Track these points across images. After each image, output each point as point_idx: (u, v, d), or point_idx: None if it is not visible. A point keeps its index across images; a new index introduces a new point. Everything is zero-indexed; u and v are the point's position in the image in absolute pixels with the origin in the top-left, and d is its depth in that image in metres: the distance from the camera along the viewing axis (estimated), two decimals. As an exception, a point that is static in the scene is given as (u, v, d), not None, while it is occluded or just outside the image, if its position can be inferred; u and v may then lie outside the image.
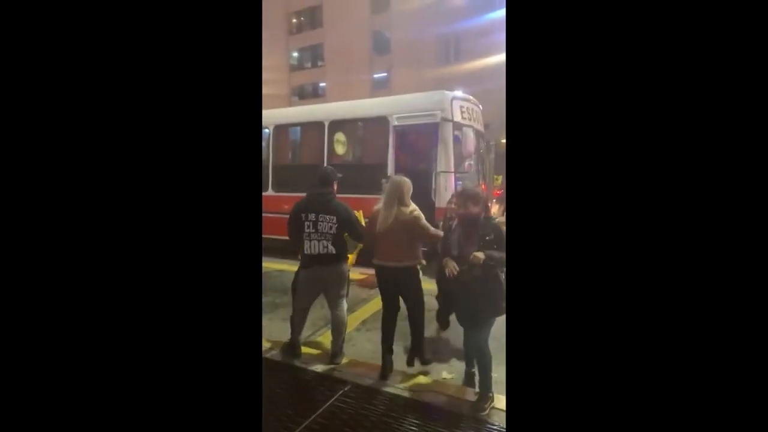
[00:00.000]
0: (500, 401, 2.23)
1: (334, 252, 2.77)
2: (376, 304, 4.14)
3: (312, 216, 2.79)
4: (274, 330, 3.45)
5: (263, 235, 5.46)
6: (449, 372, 2.71)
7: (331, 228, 2.75)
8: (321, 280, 2.86)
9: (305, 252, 2.83)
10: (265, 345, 3.12)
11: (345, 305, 2.90)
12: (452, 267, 2.26)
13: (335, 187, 2.92)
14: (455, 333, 3.32)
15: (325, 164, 6.10)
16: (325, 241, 2.76)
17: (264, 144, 7.19)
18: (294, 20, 26.73)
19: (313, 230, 2.78)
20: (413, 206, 2.67)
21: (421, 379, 2.58)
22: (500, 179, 8.23)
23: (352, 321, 3.65)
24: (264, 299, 4.31)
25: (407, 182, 2.69)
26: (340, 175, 3.02)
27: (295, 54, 27.21)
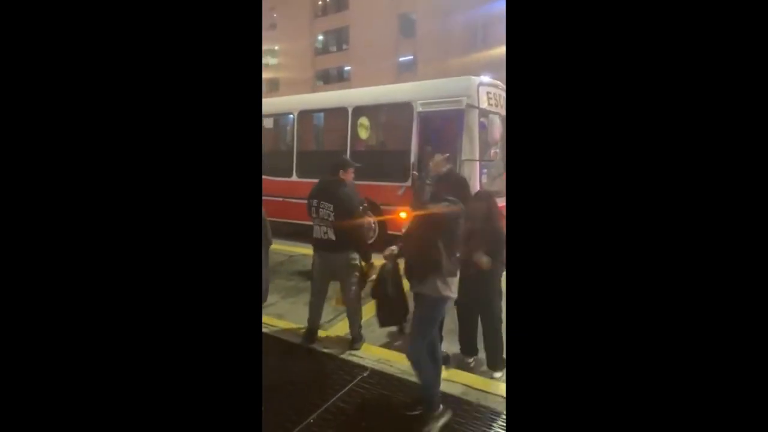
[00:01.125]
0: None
1: (333, 239, 2.80)
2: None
3: (315, 202, 2.86)
4: (296, 314, 3.52)
5: (288, 220, 5.55)
6: (470, 361, 2.71)
7: (329, 215, 2.79)
8: (329, 265, 2.91)
9: (313, 236, 2.91)
10: (286, 328, 3.20)
11: (358, 292, 2.92)
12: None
13: (347, 175, 2.93)
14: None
15: (348, 150, 6.11)
16: (324, 227, 2.82)
17: (288, 130, 7.25)
18: (320, 2, 26.53)
19: (316, 215, 2.85)
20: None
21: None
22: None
23: (371, 307, 3.68)
24: (288, 283, 4.39)
25: None
26: (357, 165, 3.03)
27: (320, 37, 27.09)
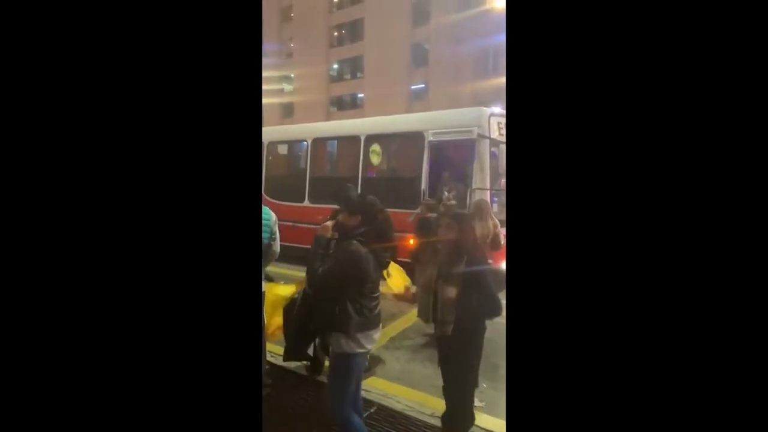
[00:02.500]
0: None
1: None
2: (405, 320, 4.11)
3: None
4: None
5: (299, 245, 5.52)
6: (480, 400, 2.62)
7: None
8: None
9: None
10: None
11: None
12: None
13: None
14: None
15: (360, 177, 6.18)
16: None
17: (302, 156, 7.38)
18: (335, 33, 27.48)
19: None
20: None
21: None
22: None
23: (380, 338, 3.63)
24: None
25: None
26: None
27: (335, 66, 27.90)
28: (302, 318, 2.19)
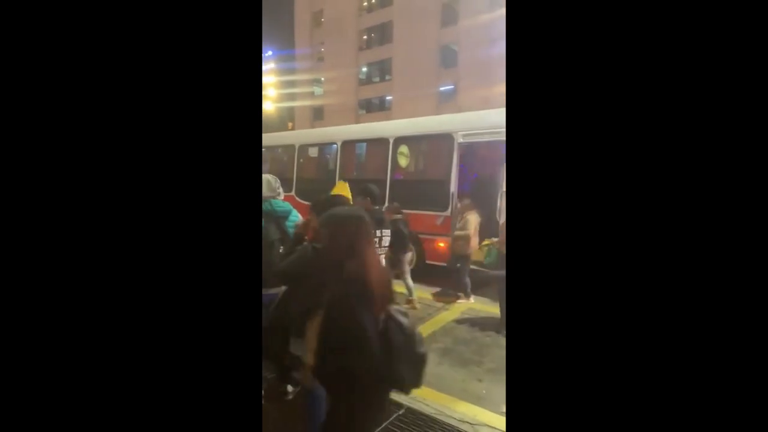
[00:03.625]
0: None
1: None
2: (434, 323, 4.08)
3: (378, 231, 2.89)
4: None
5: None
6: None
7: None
8: None
9: None
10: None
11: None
12: None
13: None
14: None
15: (388, 179, 6.20)
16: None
17: (331, 158, 7.49)
18: (365, 37, 27.71)
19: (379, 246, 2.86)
20: None
21: (477, 412, 2.48)
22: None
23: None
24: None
25: None
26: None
27: (364, 69, 28.13)
28: None
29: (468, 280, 4.82)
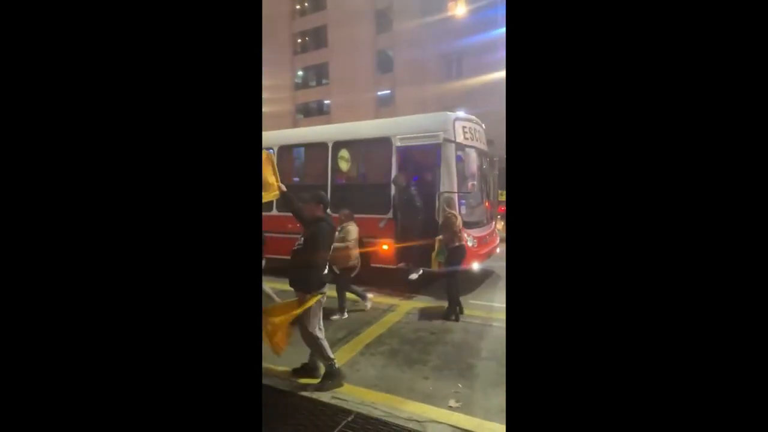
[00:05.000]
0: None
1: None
2: (379, 326, 4.11)
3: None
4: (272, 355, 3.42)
5: (268, 256, 5.42)
6: (456, 401, 2.66)
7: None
8: None
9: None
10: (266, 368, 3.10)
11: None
12: None
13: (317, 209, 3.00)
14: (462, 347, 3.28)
15: (329, 184, 6.15)
16: None
17: (268, 164, 7.26)
18: (299, 40, 27.27)
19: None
20: None
21: (425, 409, 2.54)
22: (504, 195, 8.25)
23: (355, 345, 3.62)
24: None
25: None
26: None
27: (300, 73, 27.66)
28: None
29: (356, 287, 4.66)
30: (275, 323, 2.77)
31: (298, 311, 2.80)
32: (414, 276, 5.25)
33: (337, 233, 4.39)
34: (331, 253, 4.36)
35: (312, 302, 2.81)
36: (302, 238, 2.92)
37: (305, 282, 2.84)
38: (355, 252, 4.51)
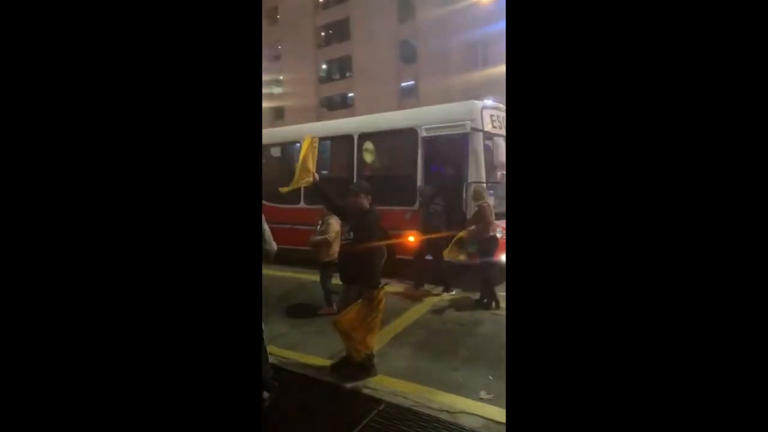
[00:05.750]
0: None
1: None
2: (408, 317, 4.11)
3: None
4: (308, 345, 3.47)
5: (296, 247, 5.52)
6: (487, 393, 2.63)
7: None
8: None
9: None
10: (300, 361, 3.15)
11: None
12: None
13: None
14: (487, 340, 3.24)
15: (354, 176, 6.16)
16: None
17: (295, 158, 7.34)
18: (322, 34, 27.33)
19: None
20: None
21: (456, 400, 2.52)
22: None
23: (384, 336, 3.63)
24: (297, 312, 4.37)
25: None
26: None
27: (324, 66, 27.77)
28: None
29: (332, 286, 4.31)
30: (356, 328, 2.73)
31: (379, 313, 2.78)
32: (447, 294, 4.94)
33: (318, 227, 4.31)
34: (311, 246, 4.25)
35: (382, 296, 2.80)
36: (348, 231, 2.98)
37: (369, 276, 2.81)
38: (336, 246, 4.12)
